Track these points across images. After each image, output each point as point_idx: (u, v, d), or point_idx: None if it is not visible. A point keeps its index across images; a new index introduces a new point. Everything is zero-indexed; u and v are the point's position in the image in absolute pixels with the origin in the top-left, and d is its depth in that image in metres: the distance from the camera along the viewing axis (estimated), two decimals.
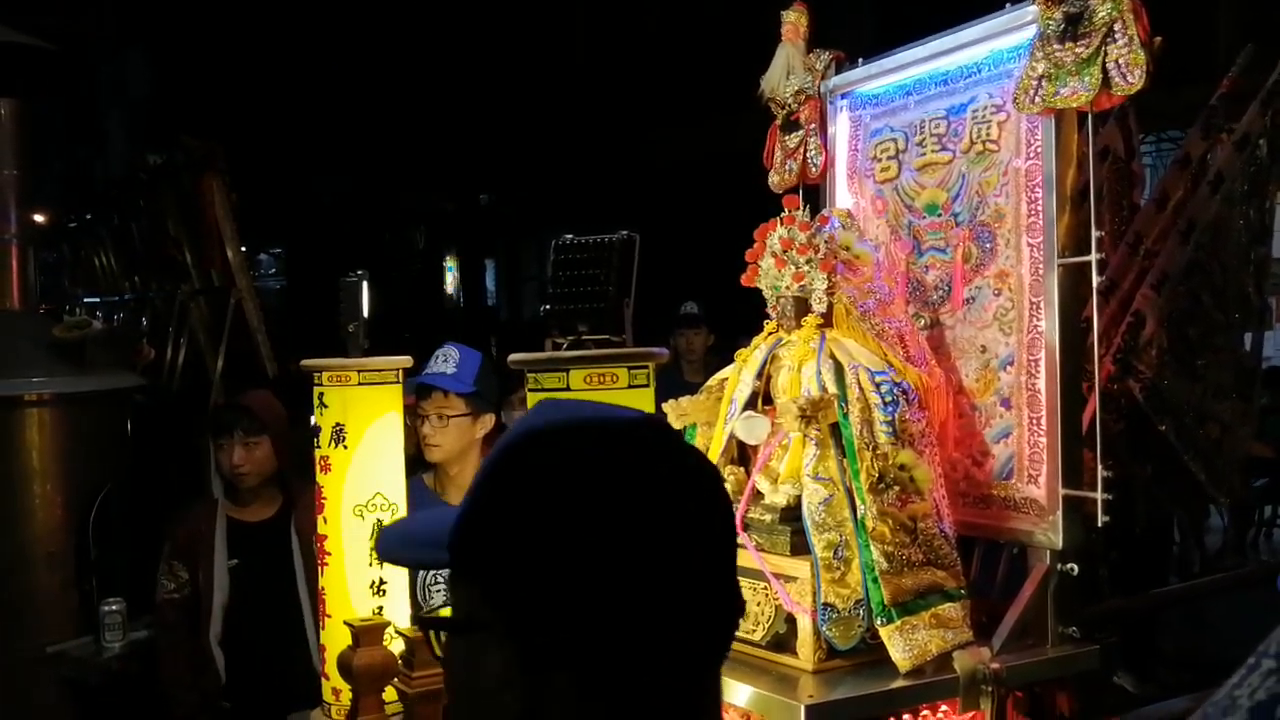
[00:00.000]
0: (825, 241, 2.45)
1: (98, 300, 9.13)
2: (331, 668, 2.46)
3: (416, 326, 12.38)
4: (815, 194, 3.02)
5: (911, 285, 2.75)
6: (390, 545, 1.10)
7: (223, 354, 6.78)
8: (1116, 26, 2.24)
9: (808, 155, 2.98)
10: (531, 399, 1.66)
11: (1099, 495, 2.29)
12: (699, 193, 11.00)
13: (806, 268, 2.44)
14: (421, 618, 1.08)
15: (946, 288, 2.66)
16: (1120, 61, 2.23)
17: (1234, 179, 2.67)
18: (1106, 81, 2.25)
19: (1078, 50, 2.29)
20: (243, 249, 7.15)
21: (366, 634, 2.30)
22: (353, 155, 12.03)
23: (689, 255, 11.30)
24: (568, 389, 1.63)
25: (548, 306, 1.64)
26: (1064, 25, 2.32)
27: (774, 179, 3.09)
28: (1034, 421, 2.46)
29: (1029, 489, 2.46)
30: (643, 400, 1.77)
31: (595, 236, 1.55)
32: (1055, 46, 2.33)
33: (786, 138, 3.05)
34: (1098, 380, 2.35)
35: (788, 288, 2.48)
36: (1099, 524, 2.30)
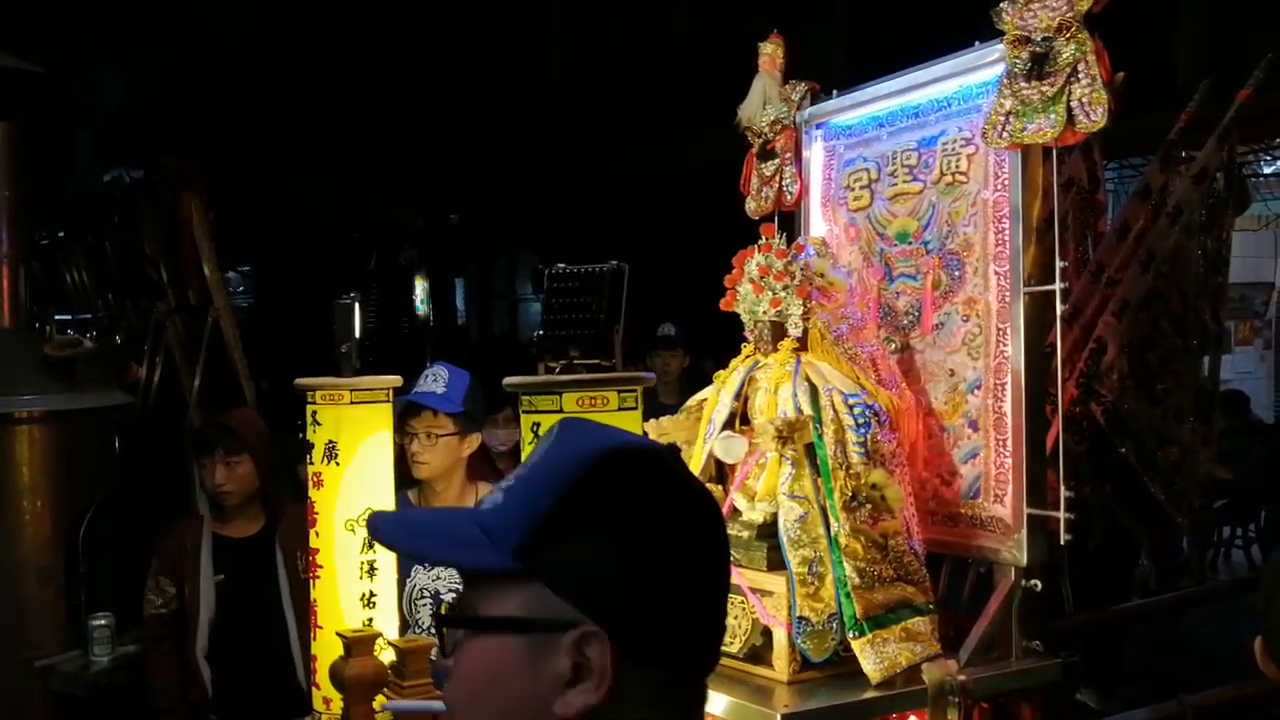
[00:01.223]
0: (801, 269, 2.55)
1: (69, 318, 9.09)
2: (323, 677, 2.52)
3: (385, 343, 12.43)
4: (791, 220, 3.12)
5: (883, 310, 2.85)
6: (389, 529, 1.14)
7: (200, 373, 6.79)
8: (1080, 67, 2.36)
9: (783, 183, 3.08)
10: (526, 420, 1.74)
11: (1061, 514, 2.39)
12: (673, 210, 11.12)
13: (783, 294, 2.54)
14: (455, 618, 1.12)
15: (917, 313, 2.77)
16: (1084, 100, 2.34)
17: (1192, 210, 2.79)
18: (1071, 119, 2.36)
19: (1043, 89, 2.40)
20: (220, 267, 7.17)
21: (358, 645, 2.36)
22: (325, 170, 12.06)
23: (662, 274, 11.42)
24: (560, 410, 1.71)
25: (541, 333, 1.72)
26: (1030, 64, 2.43)
27: (750, 205, 3.20)
28: (1000, 443, 2.56)
29: (995, 508, 2.56)
30: (631, 421, 1.86)
31: (587, 266, 1.62)
32: (1022, 84, 2.44)
33: (763, 165, 3.15)
34: (1061, 404, 2.45)
35: (765, 313, 2.57)
36: (1061, 542, 2.40)
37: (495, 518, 1.08)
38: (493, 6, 12.86)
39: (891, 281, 2.84)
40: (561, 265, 1.74)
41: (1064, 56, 2.38)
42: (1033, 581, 2.47)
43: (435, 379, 3.09)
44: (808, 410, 2.43)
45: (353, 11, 12.76)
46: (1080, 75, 2.36)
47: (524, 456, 1.75)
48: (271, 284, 13.53)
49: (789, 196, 3.07)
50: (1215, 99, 3.05)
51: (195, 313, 7.07)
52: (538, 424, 1.71)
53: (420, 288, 13.48)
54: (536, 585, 1.05)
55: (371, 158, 12.34)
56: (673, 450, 1.17)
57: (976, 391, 2.62)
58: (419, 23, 13.18)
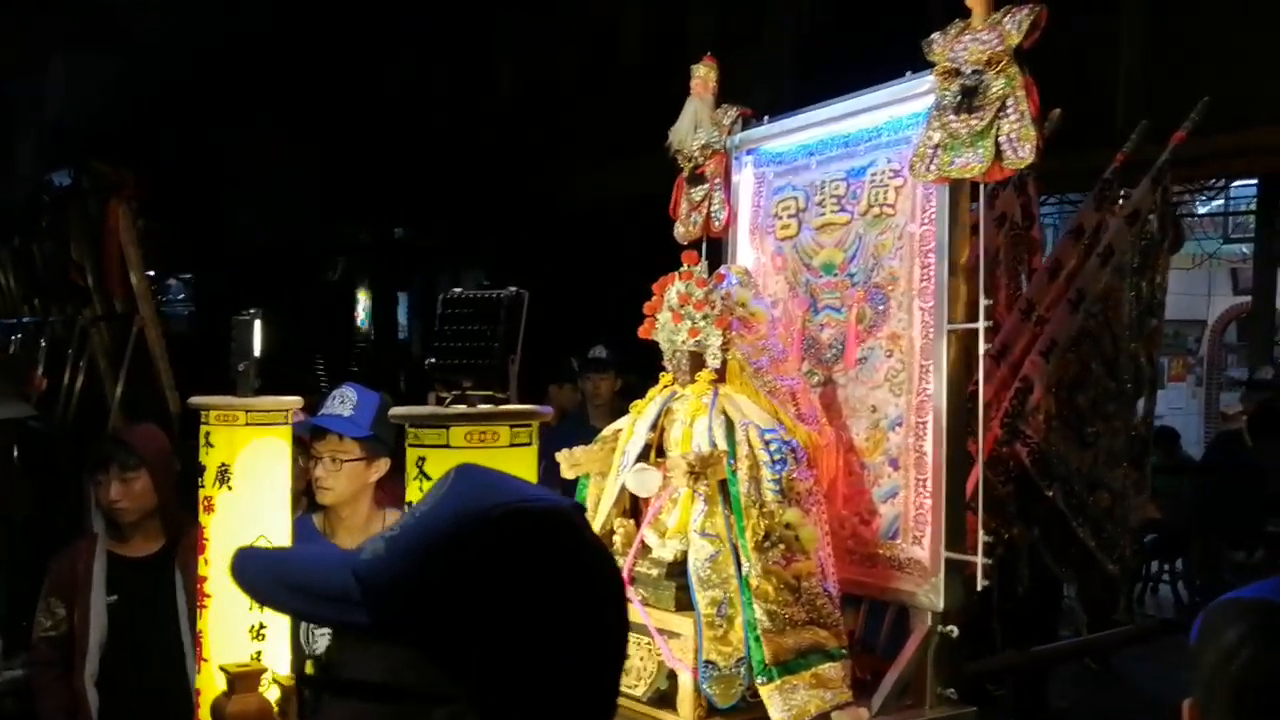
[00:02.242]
0: (722, 298, 2.47)
1: None
2: (206, 714, 2.39)
3: (326, 359, 12.23)
4: (718, 248, 3.05)
5: (807, 342, 2.78)
6: (253, 572, 1.03)
7: (122, 382, 6.59)
8: (1009, 102, 2.30)
9: (711, 209, 3.01)
10: (411, 454, 1.64)
11: (979, 559, 2.32)
12: (616, 234, 11.06)
13: (702, 323, 2.46)
14: (319, 679, 1.01)
15: (840, 346, 2.70)
16: (1012, 136, 2.29)
17: (1124, 252, 2.75)
18: (999, 154, 2.31)
19: (972, 123, 2.35)
20: (149, 274, 6.99)
21: (241, 680, 2.24)
22: (268, 183, 11.89)
23: (602, 298, 11.35)
24: (448, 445, 1.61)
25: (432, 360, 1.61)
26: (960, 97, 2.37)
27: (679, 230, 3.12)
28: (920, 483, 2.49)
29: (913, 549, 2.49)
30: (524, 459, 1.76)
31: (483, 291, 1.53)
32: (951, 117, 2.38)
33: (692, 190, 3.08)
34: (981, 445, 2.39)
35: (684, 342, 2.49)
36: (978, 587, 2.33)
37: (372, 570, 0.98)
38: (446, 27, 12.77)
39: (816, 313, 2.77)
40: (457, 290, 1.65)
41: (993, 90, 2.33)
42: (949, 628, 2.40)
43: (343, 401, 2.96)
44: (723, 445, 2.34)
45: (304, 27, 12.61)
46: (1009, 110, 2.31)
47: (409, 497, 1.65)
48: (210, 294, 13.29)
49: (717, 223, 2.99)
50: (1153, 139, 3.02)
51: (120, 320, 6.89)
52: (423, 459, 1.60)
53: (363, 303, 13.31)
54: (408, 649, 0.96)
55: (319, 172, 12.18)
56: (576, 509, 1.07)
57: (898, 429, 2.55)
58: (371, 40, 13.06)
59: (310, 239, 12.43)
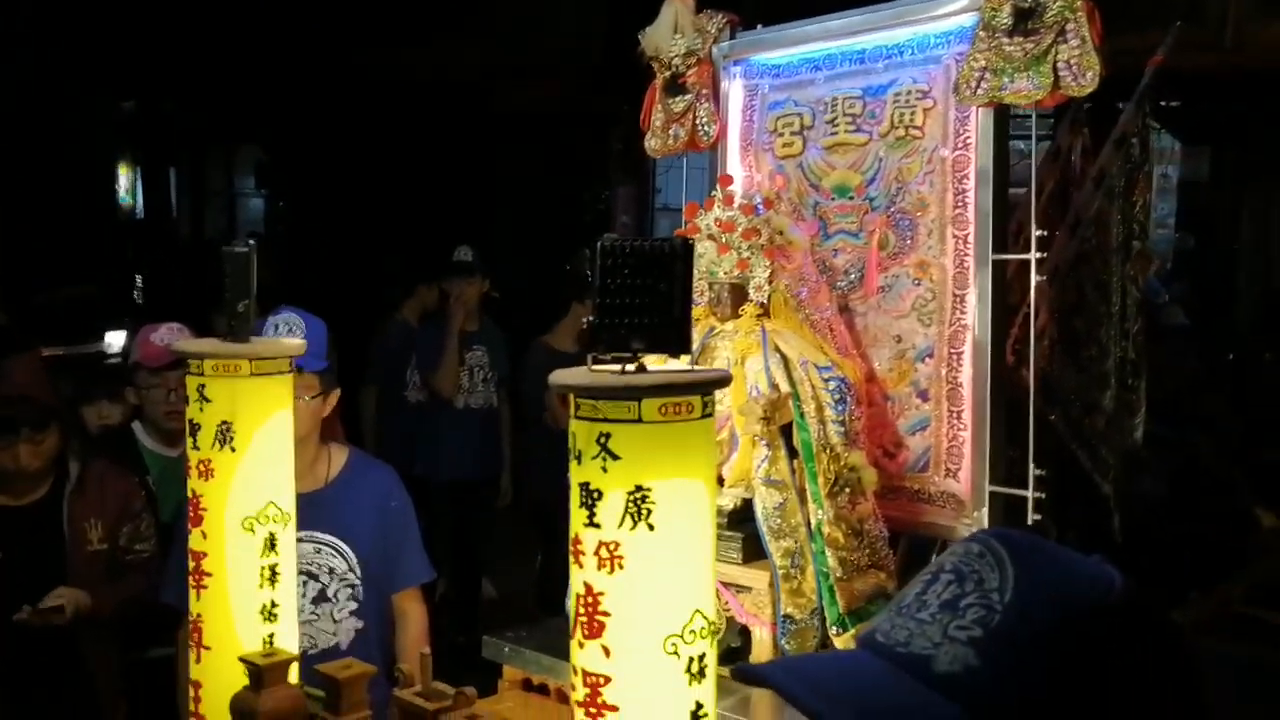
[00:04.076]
0: (766, 225, 2.32)
1: None
2: (211, 708, 2.11)
3: (85, 243, 11.17)
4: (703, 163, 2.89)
5: (817, 268, 2.67)
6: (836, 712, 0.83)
7: None
8: (1069, 26, 2.23)
9: (698, 122, 2.82)
10: (589, 429, 1.44)
11: (1030, 494, 2.32)
12: (408, 118, 10.48)
13: (749, 254, 2.30)
14: None
15: (858, 273, 2.60)
16: (1072, 62, 2.22)
17: (1113, 175, 2.77)
18: (1057, 80, 2.24)
19: (1027, 46, 2.26)
20: None
21: (270, 671, 1.98)
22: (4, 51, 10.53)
23: (395, 184, 10.79)
24: (639, 420, 1.41)
25: (595, 320, 1.32)
26: (1013, 19, 2.28)
27: (653, 143, 2.92)
28: (954, 415, 2.46)
29: (947, 483, 2.47)
30: (709, 431, 1.58)
31: (649, 240, 1.30)
32: (1003, 40, 2.29)
33: (671, 101, 2.87)
34: (1033, 378, 2.37)
35: (727, 274, 2.33)
36: (1029, 522, 2.33)
37: (980, 688, 0.80)
38: None
39: (828, 238, 2.65)
40: (611, 236, 1.42)
41: (1051, 13, 2.24)
42: None
43: (290, 328, 2.62)
44: (783, 386, 2.22)
45: None
46: (1069, 35, 2.23)
47: (584, 477, 1.45)
48: None
49: (705, 137, 2.81)
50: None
51: None
52: (607, 434, 1.41)
53: (124, 180, 12.15)
54: None
55: (67, 34, 10.88)
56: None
57: (927, 360, 2.50)
58: None
59: (60, 109, 11.14)
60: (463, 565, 5.84)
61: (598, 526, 1.43)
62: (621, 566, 1.42)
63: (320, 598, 2.78)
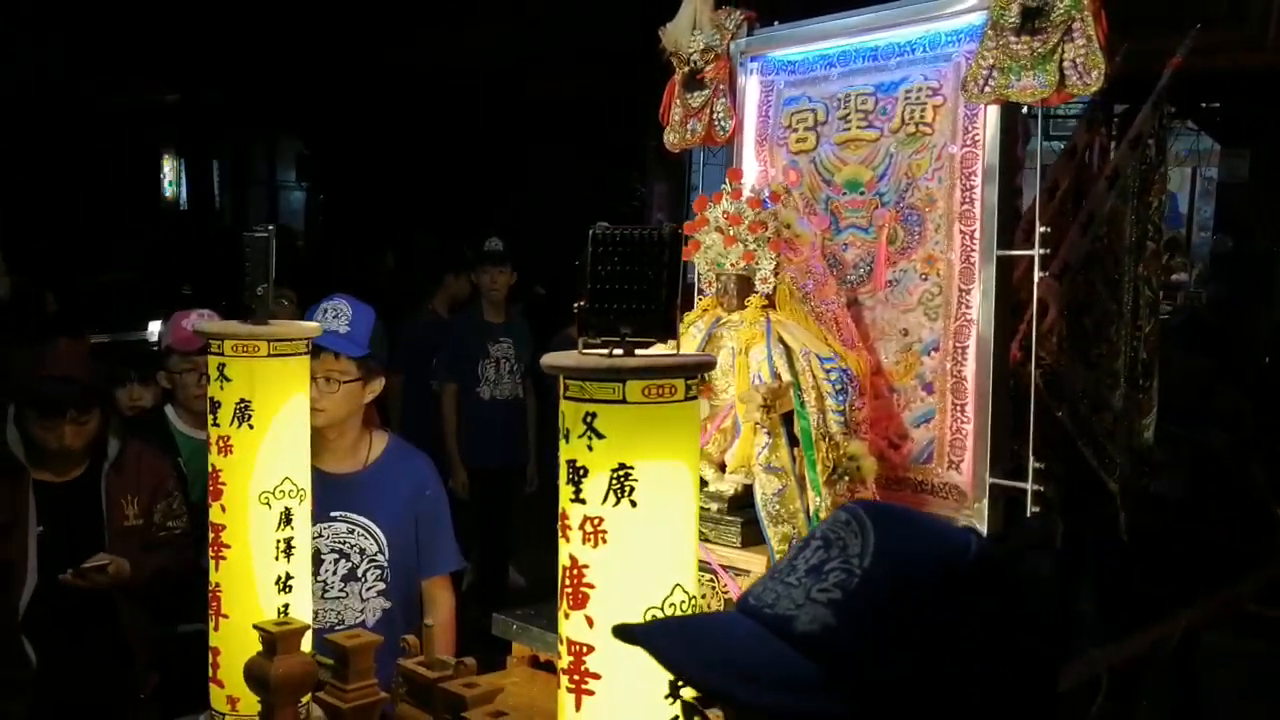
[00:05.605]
0: (773, 218, 2.37)
1: None
2: (228, 674, 2.20)
3: (131, 233, 11.38)
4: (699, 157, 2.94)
5: (828, 262, 2.71)
6: (689, 664, 0.88)
7: None
8: (1075, 25, 2.25)
9: (715, 117, 2.87)
10: (576, 409, 1.50)
11: (1029, 486, 2.35)
12: (445, 109, 10.59)
13: (755, 246, 2.35)
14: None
15: (867, 267, 2.64)
16: (1078, 61, 2.24)
17: (1127, 175, 2.78)
18: (1062, 79, 2.26)
19: (1034, 45, 2.29)
20: None
21: (284, 640, 2.05)
22: (50, 42, 10.74)
23: (431, 175, 10.91)
24: (624, 400, 1.47)
25: (585, 305, 1.37)
26: (1020, 18, 2.31)
27: (671, 138, 2.97)
28: (958, 408, 2.49)
29: (950, 474, 2.50)
30: (693, 413, 1.64)
31: (637, 229, 1.32)
32: (1010, 38, 2.31)
33: (689, 96, 2.92)
34: (1033, 374, 2.40)
35: (733, 265, 2.38)
36: (1028, 514, 2.36)
37: (834, 645, 0.85)
38: None
39: (839, 232, 2.69)
40: (604, 225, 1.46)
41: (1058, 12, 2.27)
42: None
43: (337, 315, 2.72)
44: (785, 375, 2.27)
45: None
46: (1075, 34, 2.26)
47: (572, 455, 1.52)
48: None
49: (722, 132, 2.86)
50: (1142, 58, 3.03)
51: None
52: (593, 414, 1.47)
53: (169, 171, 12.36)
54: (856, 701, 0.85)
55: (116, 28, 11.09)
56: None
57: (933, 353, 2.53)
58: None
59: (108, 102, 11.37)
60: (490, 553, 5.93)
61: (583, 502, 1.49)
62: (605, 541, 1.48)
63: (350, 576, 2.87)
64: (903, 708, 0.85)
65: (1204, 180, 11.61)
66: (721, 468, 2.38)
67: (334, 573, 2.85)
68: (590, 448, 1.49)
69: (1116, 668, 2.68)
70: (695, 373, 1.55)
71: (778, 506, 2.23)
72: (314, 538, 2.81)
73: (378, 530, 2.89)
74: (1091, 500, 2.71)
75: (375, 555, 2.89)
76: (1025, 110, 2.58)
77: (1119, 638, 2.76)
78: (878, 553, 0.89)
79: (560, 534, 1.53)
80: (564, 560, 1.52)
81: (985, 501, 2.42)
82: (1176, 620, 2.91)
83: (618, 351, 1.51)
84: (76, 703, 3.07)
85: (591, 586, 1.49)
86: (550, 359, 1.55)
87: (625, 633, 0.93)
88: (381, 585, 2.90)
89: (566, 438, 1.52)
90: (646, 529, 1.48)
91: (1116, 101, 3.09)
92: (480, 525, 5.76)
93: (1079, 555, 2.73)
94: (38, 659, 3.03)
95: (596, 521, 1.48)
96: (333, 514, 2.84)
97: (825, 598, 0.88)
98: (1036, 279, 2.35)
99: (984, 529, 2.42)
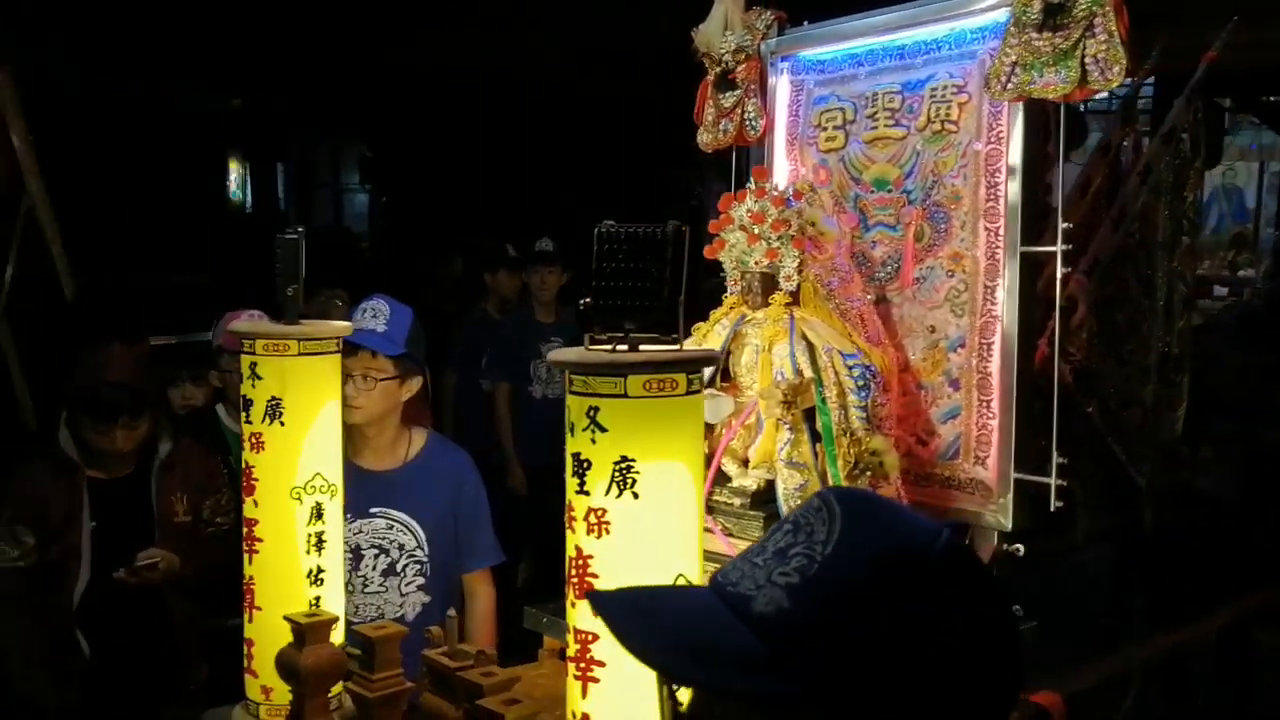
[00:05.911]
0: (796, 217, 2.40)
1: None
2: (262, 664, 2.27)
3: (196, 235, 11.61)
4: (748, 156, 2.96)
5: (856, 259, 2.72)
6: (642, 639, 0.90)
7: (12, 266, 6.13)
8: (1097, 21, 2.25)
9: (746, 117, 2.90)
10: (580, 403, 1.54)
11: (1053, 481, 2.35)
12: (504, 111, 10.69)
13: (778, 244, 2.38)
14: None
15: (895, 265, 2.66)
16: (1099, 57, 2.24)
17: (1160, 170, 2.77)
18: (1084, 75, 2.26)
19: (1056, 41, 2.29)
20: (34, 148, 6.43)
21: (313, 630, 2.12)
22: (125, 49, 11.03)
23: (491, 178, 11.02)
24: (625, 395, 1.51)
25: (590, 301, 1.40)
26: (1042, 15, 2.31)
27: (705, 138, 3.00)
28: (984, 404, 2.50)
29: (976, 470, 2.51)
30: (696, 407, 1.67)
31: (642, 226, 1.35)
32: (1032, 35, 2.32)
33: (721, 96, 2.95)
34: (1057, 369, 2.40)
35: (757, 263, 2.41)
36: (1051, 509, 2.36)
37: (787, 627, 0.87)
38: None
39: (867, 230, 2.71)
40: (609, 223, 1.50)
41: (1080, 8, 2.27)
42: (1015, 546, 2.43)
43: (374, 314, 2.79)
44: (807, 371, 2.30)
45: None
46: (1097, 30, 2.25)
47: (577, 449, 1.56)
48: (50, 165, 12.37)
49: (753, 132, 2.89)
50: (1179, 54, 3.01)
51: (5, 202, 6.36)
52: (596, 409, 1.51)
53: (234, 175, 12.64)
54: (832, 714, 0.87)
55: (180, 34, 11.37)
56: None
57: (959, 350, 2.54)
58: None
59: (174, 107, 11.63)
60: (544, 550, 6.00)
61: (587, 494, 1.53)
62: (608, 532, 1.52)
63: (389, 571, 2.94)
64: (849, 693, 0.87)
65: (1270, 175, 11.35)
66: (745, 463, 2.41)
67: (374, 568, 2.93)
68: (594, 441, 1.53)
69: (1157, 661, 2.67)
70: (696, 368, 1.58)
71: (800, 501, 2.25)
72: (354, 533, 2.89)
73: (417, 526, 2.96)
74: (1121, 496, 2.70)
75: (414, 550, 2.95)
76: (1083, 108, 2.57)
77: (1160, 632, 2.75)
78: (840, 541, 0.91)
79: (566, 525, 1.58)
80: (570, 551, 1.57)
81: (1010, 496, 2.42)
82: (1216, 616, 2.89)
83: (621, 347, 1.55)
84: (129, 693, 3.18)
85: (596, 576, 1.53)
86: (556, 354, 1.60)
87: (592, 598, 0.97)
88: (421, 580, 2.97)
89: (572, 431, 1.57)
90: (648, 520, 1.52)
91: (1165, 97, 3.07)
92: (533, 523, 5.83)
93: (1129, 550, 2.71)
94: (91, 651, 3.14)
95: (600, 513, 1.52)
96: (372, 510, 2.92)
97: (784, 581, 0.90)
98: (1059, 275, 2.35)
99: (1008, 524, 2.42)
